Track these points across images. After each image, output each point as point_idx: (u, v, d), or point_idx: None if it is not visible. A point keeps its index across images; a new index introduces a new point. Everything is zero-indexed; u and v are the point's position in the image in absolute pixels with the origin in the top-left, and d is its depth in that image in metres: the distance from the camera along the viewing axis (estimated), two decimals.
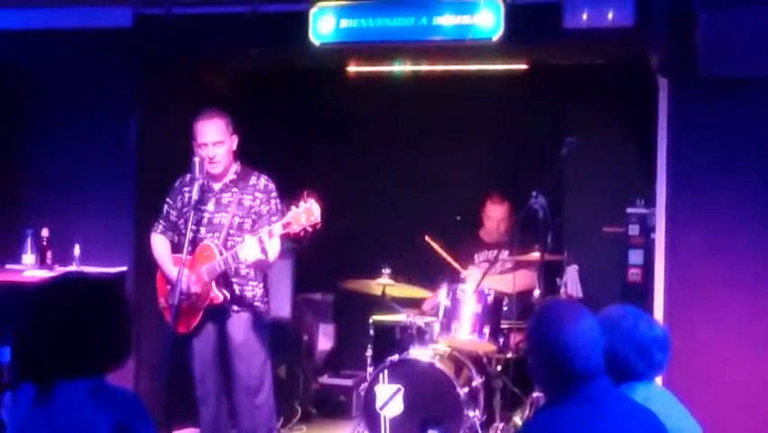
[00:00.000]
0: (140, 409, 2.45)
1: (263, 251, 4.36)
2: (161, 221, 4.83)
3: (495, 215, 6.06)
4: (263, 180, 4.71)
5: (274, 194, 4.69)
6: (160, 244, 4.81)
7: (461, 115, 6.58)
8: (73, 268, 5.26)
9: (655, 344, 2.87)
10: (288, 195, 4.79)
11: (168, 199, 4.82)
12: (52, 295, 2.47)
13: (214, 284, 4.54)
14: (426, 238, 5.79)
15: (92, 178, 5.56)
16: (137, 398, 2.50)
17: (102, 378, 2.44)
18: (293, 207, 4.32)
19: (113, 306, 2.49)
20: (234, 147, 4.72)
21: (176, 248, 4.71)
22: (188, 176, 4.72)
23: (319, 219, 4.26)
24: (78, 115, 5.59)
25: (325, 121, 6.89)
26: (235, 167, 4.74)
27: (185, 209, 4.66)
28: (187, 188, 4.71)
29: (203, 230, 4.64)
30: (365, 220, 6.70)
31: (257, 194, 4.67)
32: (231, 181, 4.70)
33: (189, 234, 4.51)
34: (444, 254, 5.79)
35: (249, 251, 4.34)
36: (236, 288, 4.64)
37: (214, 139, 4.63)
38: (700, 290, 4.72)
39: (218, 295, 4.54)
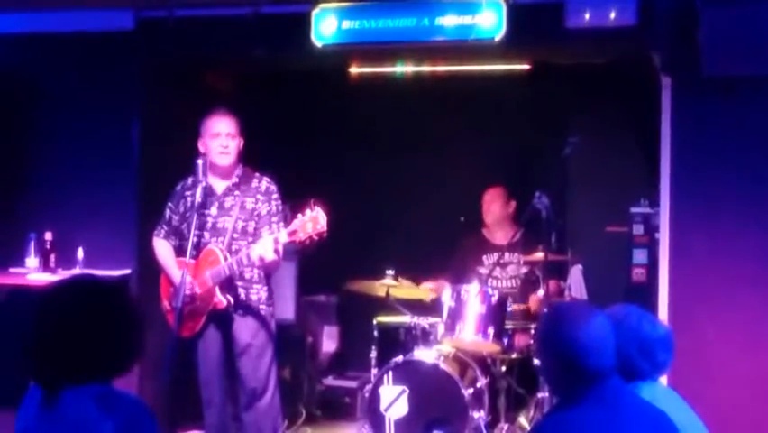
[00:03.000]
0: (146, 416, 2.41)
1: (277, 252, 4.35)
2: (163, 225, 4.81)
3: (487, 198, 6.03)
4: (265, 183, 4.71)
5: (275, 195, 4.69)
6: (162, 248, 4.80)
7: (463, 115, 6.56)
8: (77, 271, 5.25)
9: (659, 343, 2.86)
10: (291, 196, 4.79)
11: (169, 204, 4.81)
12: (60, 299, 2.42)
13: (217, 289, 4.52)
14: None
15: (95, 180, 5.57)
16: (144, 404, 2.46)
17: (109, 383, 2.41)
18: (299, 216, 4.30)
19: (122, 310, 2.45)
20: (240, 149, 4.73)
21: (179, 252, 4.70)
22: (190, 180, 4.71)
23: (325, 228, 4.24)
24: (81, 118, 5.59)
25: (328, 122, 6.89)
26: (238, 170, 4.73)
27: (187, 213, 4.66)
28: (189, 192, 4.70)
29: (206, 234, 4.62)
30: (369, 221, 6.68)
31: (258, 196, 4.66)
32: (234, 184, 4.69)
33: (193, 239, 4.49)
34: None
35: (264, 251, 4.32)
36: (241, 291, 4.62)
37: (228, 130, 4.66)
38: (705, 289, 4.71)
39: (222, 300, 4.53)
